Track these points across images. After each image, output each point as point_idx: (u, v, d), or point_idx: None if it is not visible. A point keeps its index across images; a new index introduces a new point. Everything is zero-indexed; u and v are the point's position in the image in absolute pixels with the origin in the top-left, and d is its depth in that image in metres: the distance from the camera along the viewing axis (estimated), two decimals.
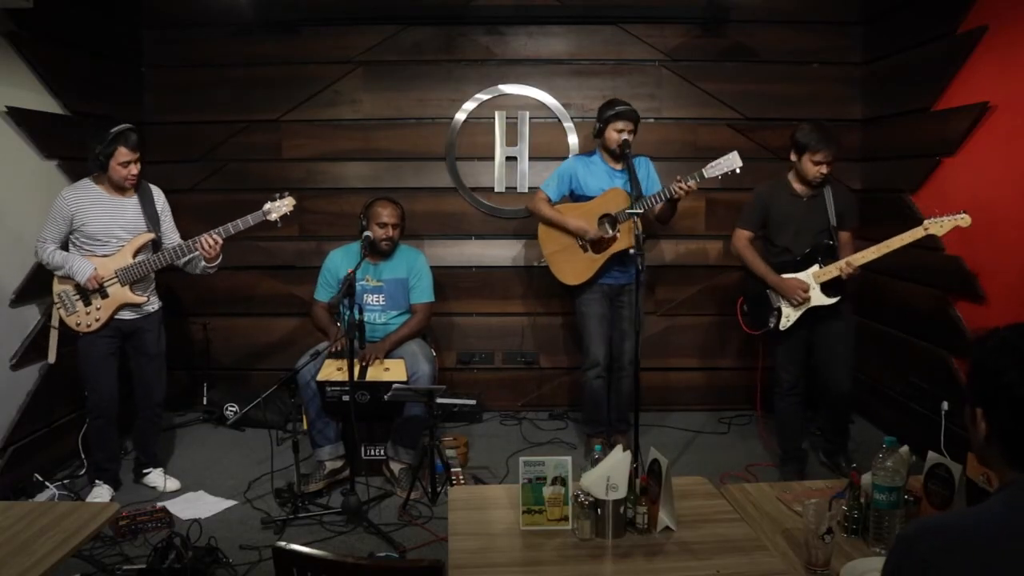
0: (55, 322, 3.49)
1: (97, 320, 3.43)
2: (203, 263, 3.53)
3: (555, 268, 4.00)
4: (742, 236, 3.70)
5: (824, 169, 3.47)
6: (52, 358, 3.55)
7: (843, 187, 3.70)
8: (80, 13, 4.08)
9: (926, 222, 3.32)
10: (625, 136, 3.80)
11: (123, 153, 3.34)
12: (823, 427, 3.92)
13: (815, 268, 3.52)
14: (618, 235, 3.83)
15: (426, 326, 4.02)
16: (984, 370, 1.26)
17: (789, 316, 3.56)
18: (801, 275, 3.54)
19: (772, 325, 3.59)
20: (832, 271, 3.47)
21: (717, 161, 3.65)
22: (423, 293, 3.96)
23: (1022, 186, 3.27)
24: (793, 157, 3.55)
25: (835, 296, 3.51)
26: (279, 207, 3.54)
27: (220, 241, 3.46)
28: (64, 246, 3.43)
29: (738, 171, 3.62)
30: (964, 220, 3.26)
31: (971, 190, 3.57)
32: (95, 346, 3.45)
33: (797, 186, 3.59)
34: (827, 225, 3.54)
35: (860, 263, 3.43)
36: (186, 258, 3.54)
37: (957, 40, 3.69)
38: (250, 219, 3.50)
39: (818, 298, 3.52)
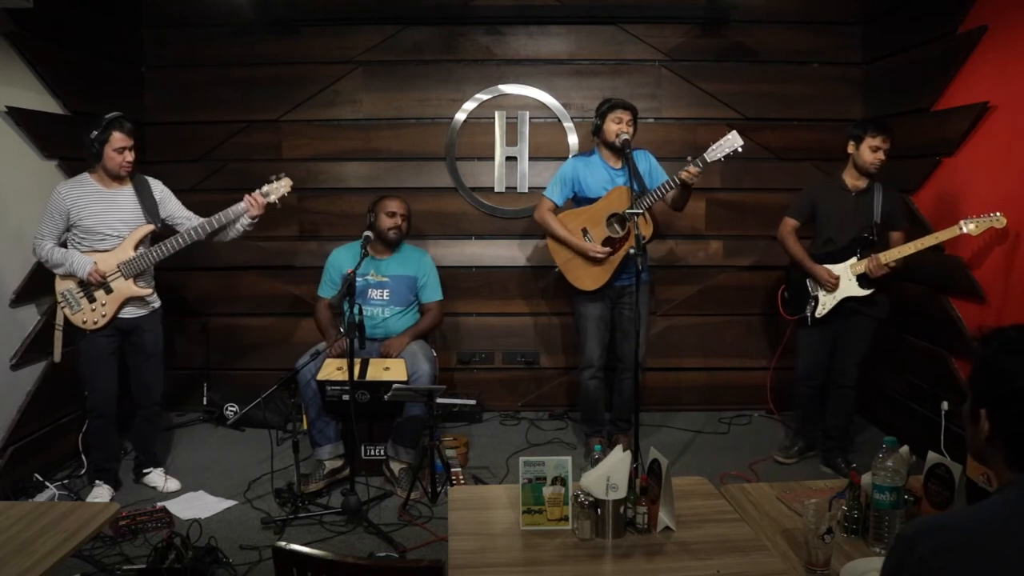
0: (59, 321, 3.47)
1: (104, 316, 3.41)
2: (244, 220, 3.52)
3: (571, 276, 3.92)
4: (788, 223, 3.82)
5: (882, 156, 3.54)
6: (58, 357, 3.54)
7: (894, 190, 3.73)
8: (80, 13, 4.07)
9: (961, 222, 3.33)
10: (624, 127, 3.77)
11: (118, 138, 3.33)
12: (825, 423, 3.92)
13: (853, 260, 3.61)
14: (628, 235, 3.78)
15: (440, 322, 4.12)
16: (991, 371, 1.24)
17: (825, 304, 3.66)
18: (838, 266, 3.63)
19: (809, 312, 3.70)
20: (866, 264, 3.54)
21: (717, 143, 3.64)
22: (434, 292, 4.01)
23: (1022, 186, 3.27)
24: (851, 149, 3.62)
25: (869, 288, 3.58)
26: (277, 188, 3.56)
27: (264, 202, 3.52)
28: (63, 244, 3.41)
29: (740, 150, 3.63)
30: (999, 221, 3.27)
31: (971, 190, 3.57)
32: (95, 345, 3.44)
33: (849, 181, 3.66)
34: (871, 221, 3.61)
35: (891, 259, 3.48)
36: (216, 227, 3.50)
37: (957, 40, 3.69)
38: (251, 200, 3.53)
39: (852, 289, 3.61)
